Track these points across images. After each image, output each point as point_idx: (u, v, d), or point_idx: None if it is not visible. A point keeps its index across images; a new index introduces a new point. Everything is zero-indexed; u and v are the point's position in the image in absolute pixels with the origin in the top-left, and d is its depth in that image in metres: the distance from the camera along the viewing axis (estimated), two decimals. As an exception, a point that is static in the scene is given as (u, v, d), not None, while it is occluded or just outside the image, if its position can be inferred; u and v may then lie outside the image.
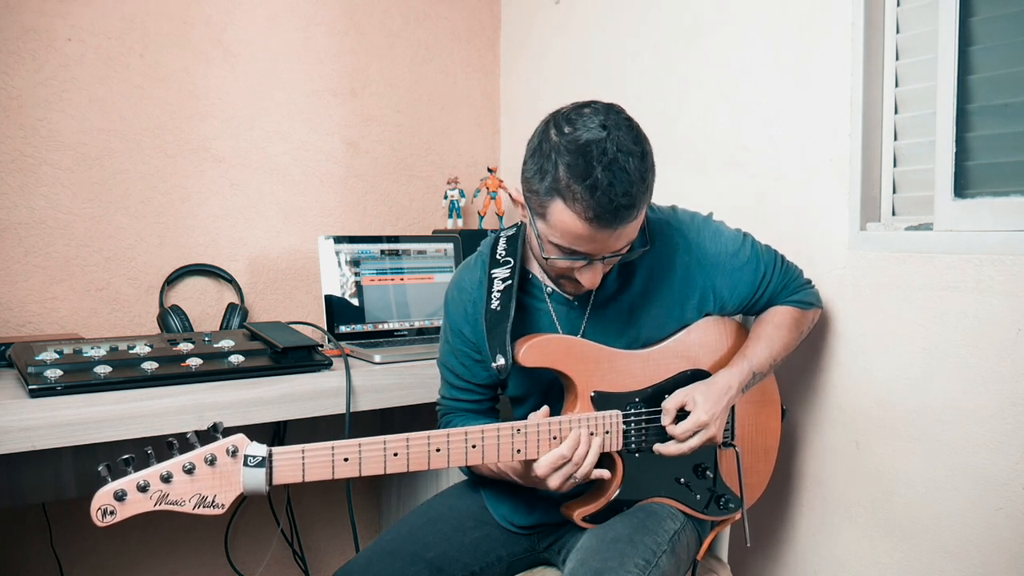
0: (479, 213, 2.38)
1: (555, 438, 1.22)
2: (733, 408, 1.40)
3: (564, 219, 1.14)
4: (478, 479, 1.46)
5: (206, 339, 1.68)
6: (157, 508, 1.02)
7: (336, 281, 1.97)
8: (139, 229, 1.98)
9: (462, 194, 2.35)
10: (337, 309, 1.95)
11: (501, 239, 1.39)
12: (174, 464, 1.02)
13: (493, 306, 1.31)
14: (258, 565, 2.22)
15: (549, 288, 1.37)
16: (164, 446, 1.04)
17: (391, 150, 2.35)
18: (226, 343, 1.63)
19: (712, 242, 1.38)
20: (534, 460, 1.21)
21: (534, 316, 1.37)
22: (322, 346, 1.78)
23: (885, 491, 1.48)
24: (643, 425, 1.32)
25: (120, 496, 1.00)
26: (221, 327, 1.97)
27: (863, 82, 1.49)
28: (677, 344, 1.37)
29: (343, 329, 1.95)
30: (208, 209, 2.07)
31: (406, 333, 2.03)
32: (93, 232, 1.93)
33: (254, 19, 2.11)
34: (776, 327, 1.40)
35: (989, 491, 1.32)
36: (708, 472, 1.38)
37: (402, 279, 2.05)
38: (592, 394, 1.29)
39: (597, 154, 1.11)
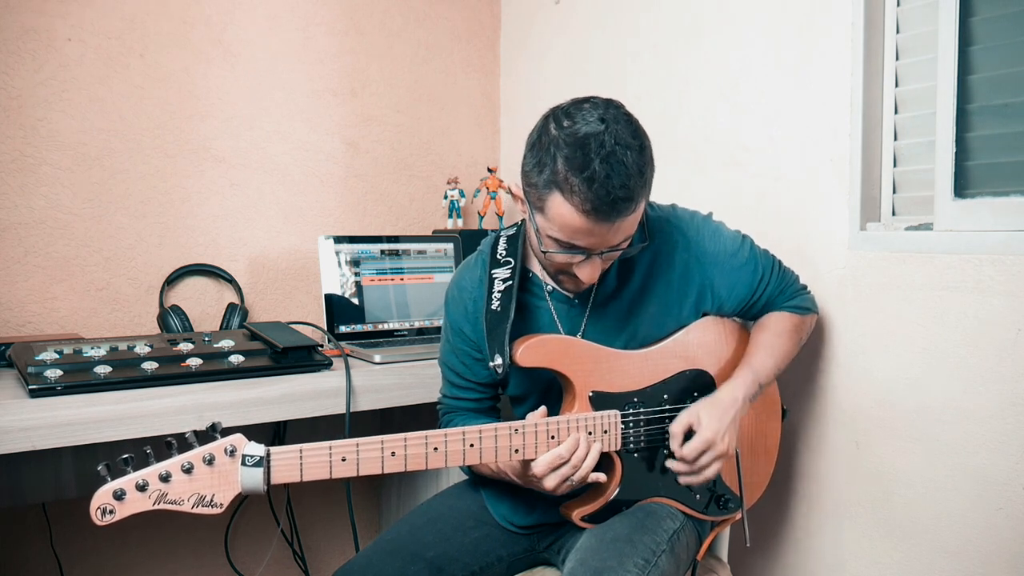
0: (479, 213, 2.38)
1: (553, 438, 1.22)
2: (734, 409, 1.39)
3: (562, 212, 1.14)
4: (479, 478, 1.46)
5: (206, 339, 1.68)
6: (156, 507, 1.02)
7: (336, 281, 1.97)
8: (139, 229, 1.98)
9: (462, 194, 2.35)
10: (337, 309, 1.96)
11: (502, 239, 1.39)
12: (173, 464, 1.03)
13: (494, 306, 1.31)
14: (258, 565, 2.22)
15: (549, 286, 1.37)
16: (163, 446, 1.04)
17: (391, 150, 2.35)
18: (226, 343, 1.63)
19: (711, 240, 1.38)
20: (532, 460, 1.21)
21: (535, 314, 1.37)
22: (322, 346, 1.78)
23: (885, 491, 1.48)
24: (642, 425, 1.32)
25: (119, 495, 1.00)
26: (221, 327, 1.97)
27: (863, 82, 1.49)
28: (676, 344, 1.37)
29: (343, 329, 1.95)
30: (208, 209, 2.07)
31: (406, 333, 2.03)
32: (93, 232, 1.93)
33: (254, 19, 2.11)
34: (777, 335, 1.40)
35: (989, 491, 1.32)
36: (708, 472, 1.38)
37: (402, 279, 2.05)
38: (590, 394, 1.29)
39: (595, 147, 1.11)
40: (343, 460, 1.10)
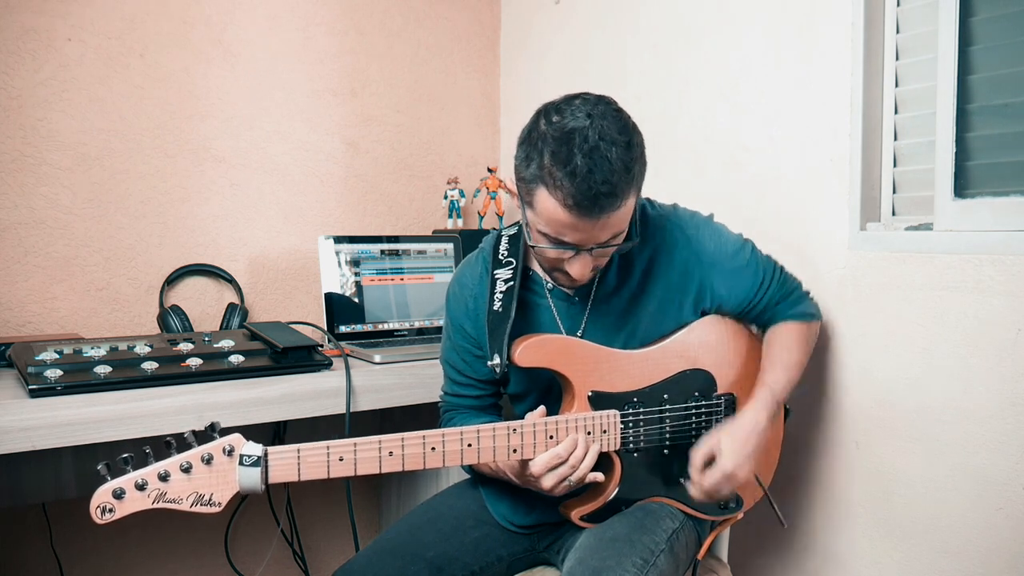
0: (479, 213, 2.38)
1: (551, 438, 1.22)
2: (735, 409, 1.39)
3: (547, 206, 1.15)
4: (479, 477, 1.46)
5: (206, 339, 1.68)
6: (155, 506, 1.03)
7: (336, 281, 1.97)
8: (139, 229, 1.99)
9: (462, 194, 2.35)
10: (337, 309, 1.96)
11: (503, 238, 1.40)
12: (172, 463, 1.03)
13: (495, 307, 1.31)
14: (258, 565, 2.22)
15: (550, 284, 1.37)
16: (162, 446, 1.05)
17: (391, 150, 2.35)
18: (226, 343, 1.63)
19: (711, 240, 1.37)
20: (531, 459, 1.21)
21: (535, 312, 1.37)
22: (322, 346, 1.78)
23: (885, 491, 1.48)
24: (641, 425, 1.32)
25: (119, 494, 1.01)
26: (221, 327, 1.97)
27: (863, 82, 1.49)
28: (677, 343, 1.37)
29: (343, 329, 1.95)
30: (208, 209, 2.07)
31: (406, 333, 2.03)
32: (93, 232, 1.93)
33: (254, 19, 2.11)
34: (787, 349, 1.40)
35: (989, 491, 1.31)
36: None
37: (402, 279, 2.05)
38: (589, 394, 1.29)
39: (579, 141, 1.11)
40: (340, 460, 1.10)
